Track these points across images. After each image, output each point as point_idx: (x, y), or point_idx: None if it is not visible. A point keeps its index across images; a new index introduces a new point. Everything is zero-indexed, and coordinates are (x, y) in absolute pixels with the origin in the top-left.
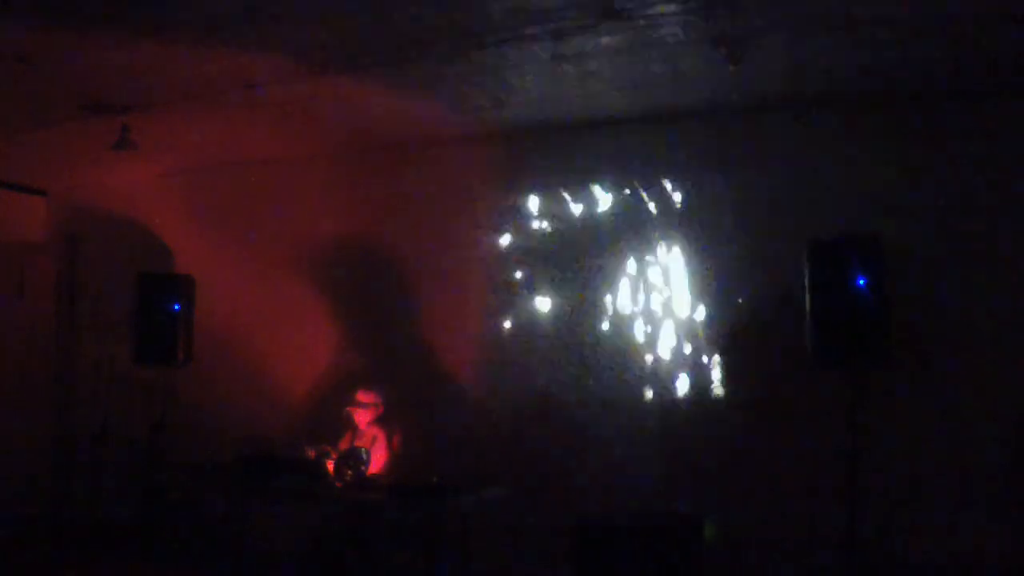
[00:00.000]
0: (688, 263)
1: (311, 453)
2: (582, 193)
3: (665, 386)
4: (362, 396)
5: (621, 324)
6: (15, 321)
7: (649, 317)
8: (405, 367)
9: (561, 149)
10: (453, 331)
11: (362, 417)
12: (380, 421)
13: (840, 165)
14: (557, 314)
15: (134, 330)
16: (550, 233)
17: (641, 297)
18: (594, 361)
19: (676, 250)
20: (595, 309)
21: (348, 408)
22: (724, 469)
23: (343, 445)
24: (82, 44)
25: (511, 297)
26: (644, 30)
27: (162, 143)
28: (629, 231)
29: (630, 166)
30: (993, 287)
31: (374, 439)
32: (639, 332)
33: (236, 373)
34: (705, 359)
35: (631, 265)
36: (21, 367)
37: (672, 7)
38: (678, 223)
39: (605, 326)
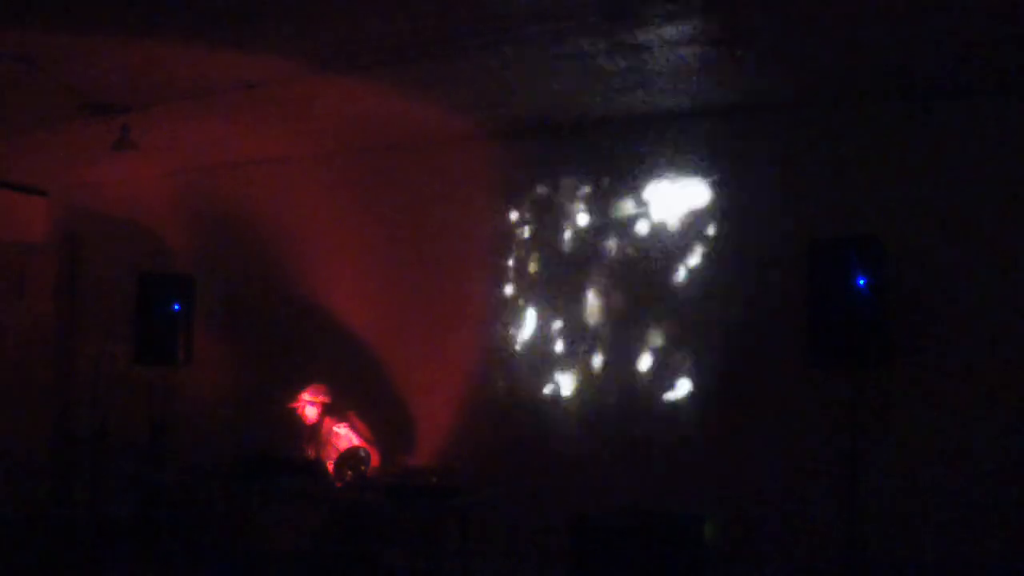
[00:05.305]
0: (688, 262)
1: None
2: (582, 192)
3: (665, 385)
4: (304, 392)
5: (621, 323)
6: (15, 321)
7: (649, 316)
8: (404, 365)
9: (562, 148)
10: (453, 330)
11: (308, 412)
12: (331, 412)
13: (840, 165)
14: (557, 313)
15: (134, 330)
16: (550, 233)
17: (642, 297)
18: (594, 360)
19: (677, 249)
20: (595, 308)
21: (289, 405)
22: (723, 469)
23: (308, 445)
24: (82, 44)
25: (511, 296)
26: (642, 29)
27: (162, 143)
28: (630, 230)
29: (631, 165)
30: (993, 287)
31: (332, 430)
32: (639, 331)
33: (236, 373)
34: (705, 359)
35: (632, 264)
36: (21, 367)
37: (672, 7)
38: (679, 222)
39: (605, 325)
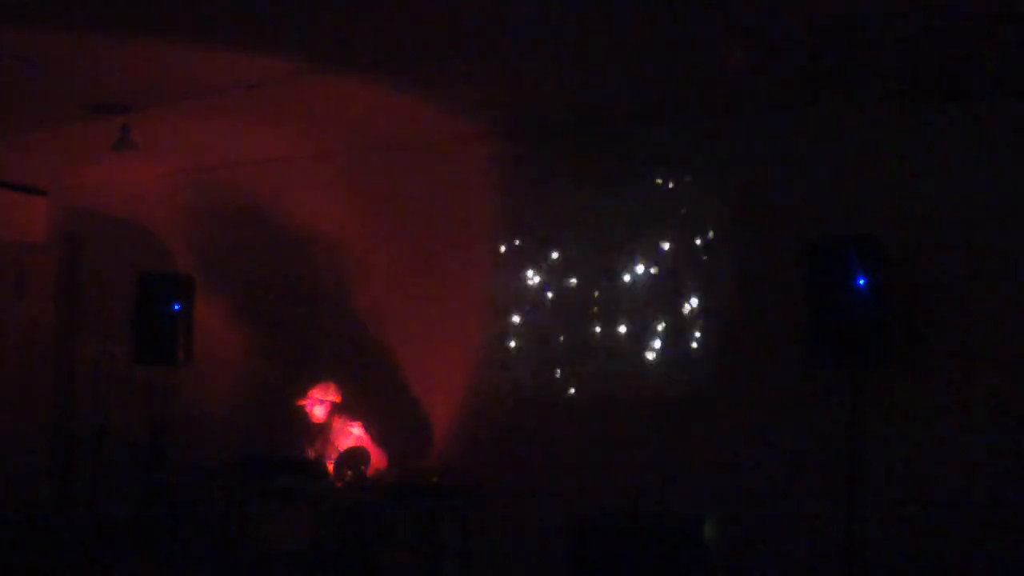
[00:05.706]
0: (688, 263)
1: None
2: (582, 192)
3: (665, 385)
4: (313, 390)
5: (621, 323)
6: (15, 321)
7: (649, 316)
8: (405, 365)
9: (561, 148)
10: (454, 330)
11: (316, 410)
12: (341, 411)
13: (840, 165)
14: (556, 313)
15: (134, 330)
16: (550, 232)
17: (641, 296)
18: (594, 360)
19: (676, 250)
20: (595, 308)
21: (298, 402)
22: (723, 469)
23: (311, 444)
24: (82, 44)
25: (512, 296)
26: (643, 29)
27: (162, 143)
28: (629, 230)
29: (631, 165)
30: (993, 287)
31: (343, 430)
32: (639, 331)
33: (236, 373)
34: (705, 359)
35: (631, 264)
36: (21, 367)
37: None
38: (678, 222)
39: (605, 325)
